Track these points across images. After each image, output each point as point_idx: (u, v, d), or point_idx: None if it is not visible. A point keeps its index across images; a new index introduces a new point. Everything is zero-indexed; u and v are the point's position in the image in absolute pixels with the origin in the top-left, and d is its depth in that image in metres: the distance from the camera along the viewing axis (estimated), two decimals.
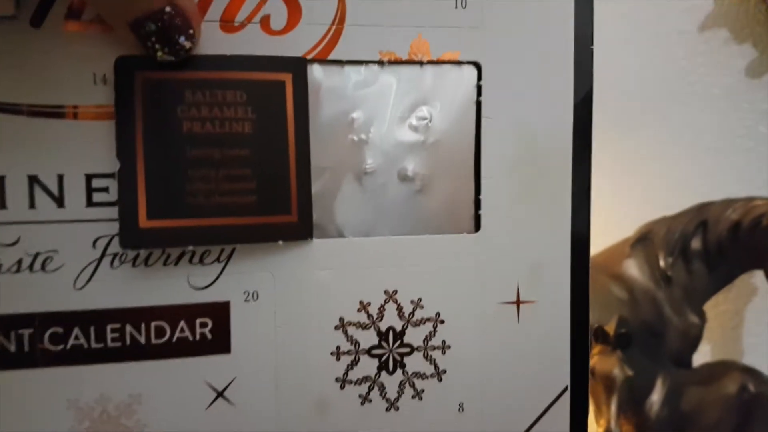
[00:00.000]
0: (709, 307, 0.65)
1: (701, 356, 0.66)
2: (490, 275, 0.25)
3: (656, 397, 0.53)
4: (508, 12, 0.23)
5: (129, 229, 0.20)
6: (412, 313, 0.24)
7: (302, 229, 0.22)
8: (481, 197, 0.24)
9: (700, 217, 0.58)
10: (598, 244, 0.62)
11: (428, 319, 0.24)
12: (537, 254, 0.25)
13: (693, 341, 0.59)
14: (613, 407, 0.50)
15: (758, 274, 0.62)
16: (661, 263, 0.57)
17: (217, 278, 0.22)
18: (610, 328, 0.49)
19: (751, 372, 0.57)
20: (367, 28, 0.23)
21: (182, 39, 0.20)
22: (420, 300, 0.24)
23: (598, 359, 0.49)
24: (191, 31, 0.20)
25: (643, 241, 0.58)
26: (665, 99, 0.64)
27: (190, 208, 0.21)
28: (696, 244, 0.58)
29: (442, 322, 0.24)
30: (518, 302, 0.25)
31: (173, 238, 0.21)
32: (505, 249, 0.25)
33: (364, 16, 0.22)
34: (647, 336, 0.55)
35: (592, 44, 0.24)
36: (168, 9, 0.19)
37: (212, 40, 0.21)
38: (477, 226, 0.24)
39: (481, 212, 0.24)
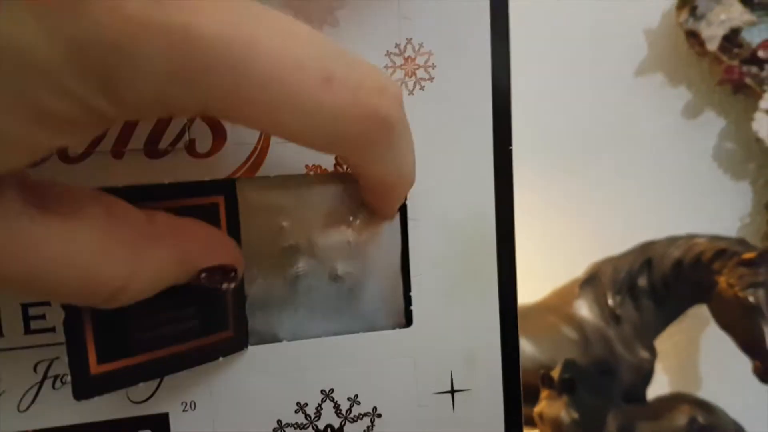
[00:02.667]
0: (663, 338, 0.67)
1: (660, 388, 0.68)
2: (424, 367, 0.26)
3: None
4: (428, 120, 0.25)
5: (81, 380, 0.20)
6: (350, 410, 0.25)
7: (239, 342, 0.23)
8: (412, 294, 0.25)
9: (645, 255, 0.60)
10: (549, 286, 0.64)
11: (365, 414, 0.25)
12: (469, 343, 0.26)
13: (645, 376, 0.61)
14: None
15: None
16: (610, 302, 0.59)
17: (155, 392, 0.23)
18: (556, 373, 0.50)
19: (700, 404, 0.59)
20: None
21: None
22: (357, 396, 0.25)
23: (546, 404, 0.51)
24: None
25: (591, 281, 0.60)
26: (607, 142, 0.67)
27: (138, 345, 0.21)
28: (642, 281, 0.60)
29: (380, 416, 0.25)
30: (452, 391, 0.26)
31: (125, 379, 0.21)
32: (437, 340, 0.26)
33: None
34: (599, 374, 0.57)
35: (510, 145, 0.26)
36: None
37: (138, 167, 0.22)
38: (409, 321, 0.26)
39: (413, 307, 0.25)
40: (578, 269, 0.62)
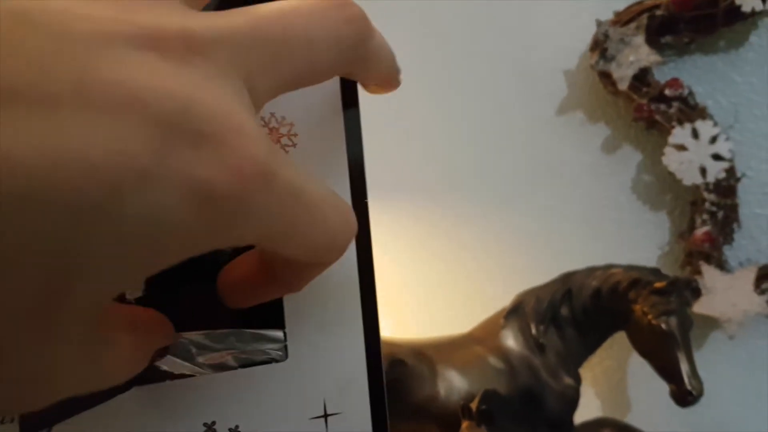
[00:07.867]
0: (593, 364, 0.70)
1: (591, 413, 0.70)
2: (300, 395, 0.28)
3: None
4: None
5: None
6: None
7: (125, 384, 0.25)
8: (287, 330, 0.28)
9: (565, 285, 0.63)
10: (476, 318, 0.67)
11: None
12: (339, 373, 0.29)
13: (570, 403, 0.63)
14: None
15: None
16: (533, 331, 0.62)
17: None
18: (475, 404, 0.52)
19: (622, 428, 0.62)
20: None
21: None
22: (237, 426, 0.27)
23: None
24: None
25: (516, 311, 0.63)
26: (533, 178, 0.70)
27: None
28: (565, 311, 0.63)
29: None
30: (326, 415, 0.28)
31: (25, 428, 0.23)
32: (311, 371, 0.28)
33: None
34: (523, 403, 0.59)
35: (366, 198, 0.29)
36: None
37: None
38: (286, 355, 0.28)
39: (288, 342, 0.28)
40: (505, 300, 0.65)
